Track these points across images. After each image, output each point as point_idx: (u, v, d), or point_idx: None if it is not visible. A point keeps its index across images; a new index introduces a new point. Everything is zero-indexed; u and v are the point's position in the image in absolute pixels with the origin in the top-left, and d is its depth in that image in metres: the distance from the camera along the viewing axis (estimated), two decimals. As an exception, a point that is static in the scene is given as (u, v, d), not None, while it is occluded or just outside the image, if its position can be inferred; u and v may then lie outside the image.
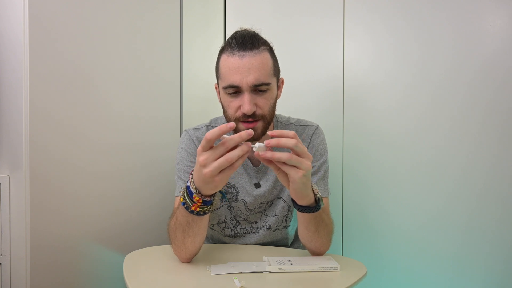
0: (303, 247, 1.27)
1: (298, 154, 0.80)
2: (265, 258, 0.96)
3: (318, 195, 0.90)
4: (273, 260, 0.94)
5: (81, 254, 1.13)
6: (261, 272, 0.90)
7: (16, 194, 1.05)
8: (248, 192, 1.11)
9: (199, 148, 0.77)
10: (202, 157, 0.77)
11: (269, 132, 0.79)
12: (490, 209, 1.19)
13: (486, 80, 1.19)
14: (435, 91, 1.25)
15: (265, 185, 1.11)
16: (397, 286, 1.29)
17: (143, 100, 1.28)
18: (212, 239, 1.21)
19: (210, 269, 0.90)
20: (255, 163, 1.12)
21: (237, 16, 1.49)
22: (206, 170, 0.76)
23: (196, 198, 0.82)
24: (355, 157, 1.35)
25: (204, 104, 1.48)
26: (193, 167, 1.06)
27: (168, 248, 1.09)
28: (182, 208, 0.86)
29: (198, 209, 0.83)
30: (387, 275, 1.31)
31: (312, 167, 1.05)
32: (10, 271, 1.07)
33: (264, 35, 1.22)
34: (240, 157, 0.76)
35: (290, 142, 0.78)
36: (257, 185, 1.10)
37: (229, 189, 1.10)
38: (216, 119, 1.18)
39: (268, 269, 0.90)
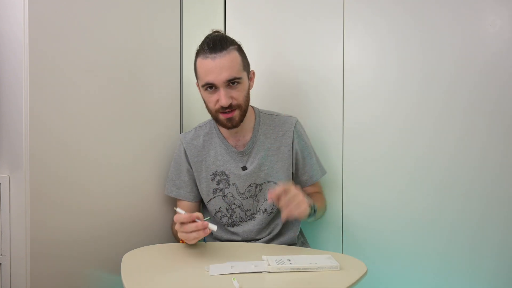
0: (302, 245, 1.28)
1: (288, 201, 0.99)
2: (264, 257, 0.96)
3: (310, 205, 1.08)
4: (272, 260, 0.93)
5: (81, 254, 1.13)
6: (260, 272, 0.90)
7: (16, 194, 1.05)
8: (236, 175, 1.22)
9: (177, 216, 0.99)
10: (175, 225, 1.01)
11: (269, 197, 1.02)
12: (497, 210, 1.18)
13: (490, 80, 1.18)
14: (437, 91, 1.24)
15: (251, 166, 1.22)
16: (398, 285, 1.29)
17: (144, 99, 1.28)
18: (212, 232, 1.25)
19: (209, 270, 0.90)
20: (239, 148, 1.24)
21: (237, 16, 1.48)
22: (178, 234, 1.01)
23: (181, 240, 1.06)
24: (356, 157, 1.34)
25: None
26: (179, 174, 1.26)
27: (166, 247, 1.09)
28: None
29: (182, 242, 1.07)
30: (388, 274, 1.30)
31: (307, 154, 1.28)
32: (10, 271, 1.07)
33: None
34: (193, 238, 0.98)
35: (275, 193, 0.99)
36: (244, 168, 1.22)
37: (221, 177, 1.23)
38: (204, 122, 1.30)
39: (267, 269, 0.90)
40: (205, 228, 0.96)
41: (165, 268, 0.94)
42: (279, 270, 0.90)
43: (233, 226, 1.23)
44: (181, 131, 1.41)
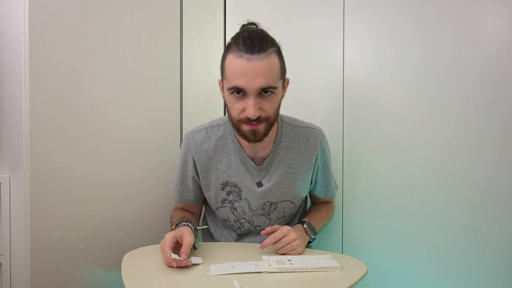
0: None
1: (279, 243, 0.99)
2: (264, 257, 0.96)
3: (310, 236, 1.09)
4: (273, 260, 0.93)
5: (81, 253, 1.13)
6: (260, 272, 0.90)
7: (16, 194, 1.05)
8: (250, 191, 1.11)
9: (167, 258, 0.92)
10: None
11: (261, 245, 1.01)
12: (493, 211, 1.19)
13: (490, 80, 1.18)
14: (437, 91, 1.24)
15: (268, 184, 1.11)
16: (398, 286, 1.29)
17: (143, 101, 1.28)
18: (216, 234, 1.23)
19: (209, 270, 0.90)
20: (258, 162, 1.12)
21: (237, 16, 1.48)
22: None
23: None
24: (356, 157, 1.34)
25: (205, 105, 1.48)
26: (183, 179, 1.17)
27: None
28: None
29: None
30: (388, 274, 1.30)
31: (328, 170, 1.20)
32: (10, 271, 1.07)
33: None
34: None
35: (268, 242, 0.99)
36: (259, 184, 1.11)
37: (232, 188, 1.12)
38: (218, 121, 1.16)
39: (268, 269, 0.90)
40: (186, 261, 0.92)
41: (165, 268, 0.94)
42: (279, 270, 0.90)
43: (240, 235, 1.19)
44: (181, 131, 1.41)
